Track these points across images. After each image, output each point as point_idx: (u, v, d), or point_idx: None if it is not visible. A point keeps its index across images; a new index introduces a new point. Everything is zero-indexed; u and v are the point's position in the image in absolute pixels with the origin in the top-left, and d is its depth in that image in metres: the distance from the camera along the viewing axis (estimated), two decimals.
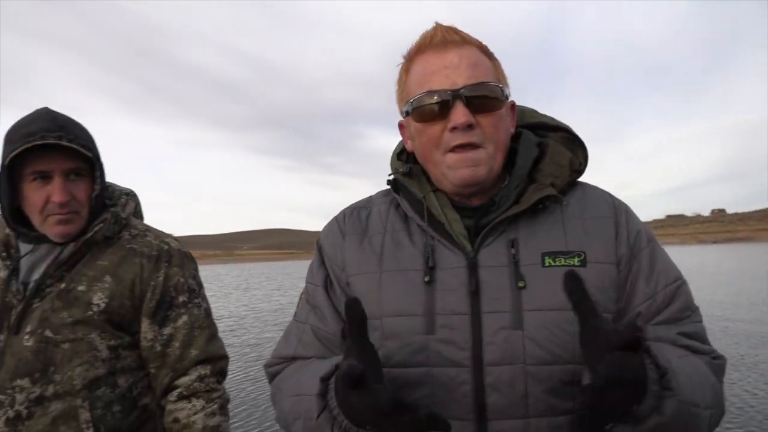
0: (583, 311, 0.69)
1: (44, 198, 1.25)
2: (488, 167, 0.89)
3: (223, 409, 1.40)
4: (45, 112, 1.27)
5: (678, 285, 0.89)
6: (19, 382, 1.21)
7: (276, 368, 1.00)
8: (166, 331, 1.36)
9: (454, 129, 0.86)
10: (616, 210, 0.92)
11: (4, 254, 1.31)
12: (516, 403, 0.80)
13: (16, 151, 1.19)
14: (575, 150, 0.97)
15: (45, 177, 1.25)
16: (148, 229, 1.47)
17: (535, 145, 0.97)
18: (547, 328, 0.81)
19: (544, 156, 0.95)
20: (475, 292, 0.85)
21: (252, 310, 17.42)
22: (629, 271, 0.88)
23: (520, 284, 0.84)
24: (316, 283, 1.00)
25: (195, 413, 1.34)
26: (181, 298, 1.39)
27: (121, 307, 1.31)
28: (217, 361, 1.41)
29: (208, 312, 1.46)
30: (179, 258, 1.43)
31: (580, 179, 0.98)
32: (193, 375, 1.36)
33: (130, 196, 1.50)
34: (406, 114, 0.93)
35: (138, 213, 1.56)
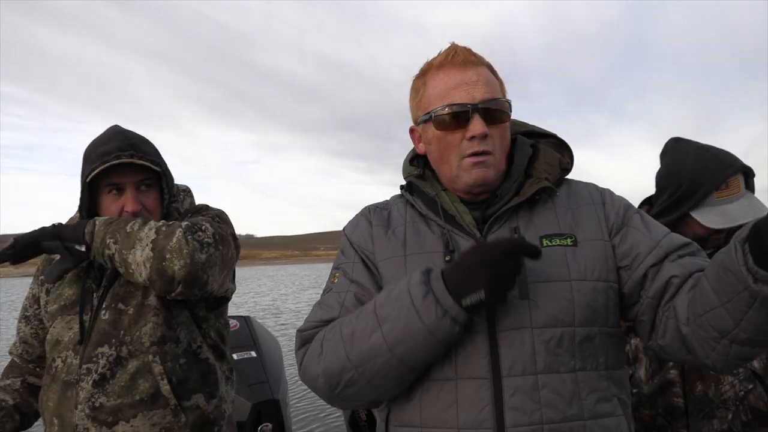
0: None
1: (119, 208, 1.41)
2: (495, 170, 1.02)
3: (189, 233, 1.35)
4: (118, 132, 1.44)
5: (671, 233, 1.02)
6: (100, 349, 1.35)
7: (312, 332, 1.02)
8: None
9: (472, 138, 0.98)
10: (602, 195, 1.07)
11: None
12: (525, 362, 0.91)
13: (96, 171, 1.34)
14: (563, 152, 1.12)
15: (119, 189, 1.42)
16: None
17: (529, 146, 1.12)
18: (547, 296, 0.93)
19: (537, 157, 1.09)
20: None
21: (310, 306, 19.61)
22: (626, 233, 1.01)
23: None
24: (353, 260, 1.08)
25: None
26: (203, 213, 1.53)
27: None
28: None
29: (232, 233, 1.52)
30: (213, 211, 1.55)
31: (568, 177, 1.12)
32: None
33: (186, 192, 1.64)
34: (424, 121, 1.05)
35: (192, 206, 1.66)
